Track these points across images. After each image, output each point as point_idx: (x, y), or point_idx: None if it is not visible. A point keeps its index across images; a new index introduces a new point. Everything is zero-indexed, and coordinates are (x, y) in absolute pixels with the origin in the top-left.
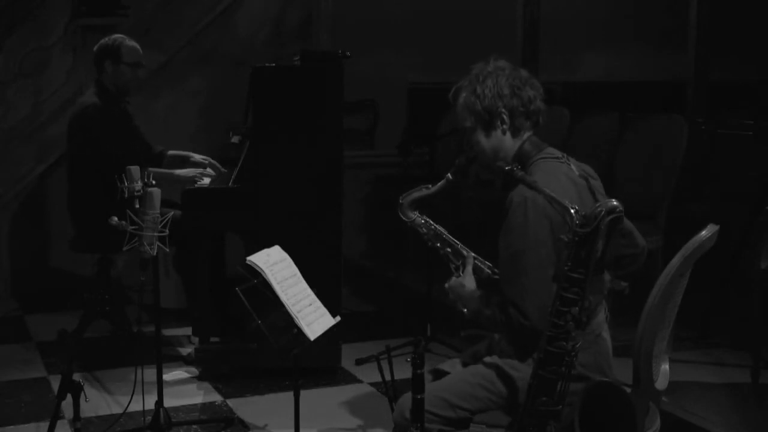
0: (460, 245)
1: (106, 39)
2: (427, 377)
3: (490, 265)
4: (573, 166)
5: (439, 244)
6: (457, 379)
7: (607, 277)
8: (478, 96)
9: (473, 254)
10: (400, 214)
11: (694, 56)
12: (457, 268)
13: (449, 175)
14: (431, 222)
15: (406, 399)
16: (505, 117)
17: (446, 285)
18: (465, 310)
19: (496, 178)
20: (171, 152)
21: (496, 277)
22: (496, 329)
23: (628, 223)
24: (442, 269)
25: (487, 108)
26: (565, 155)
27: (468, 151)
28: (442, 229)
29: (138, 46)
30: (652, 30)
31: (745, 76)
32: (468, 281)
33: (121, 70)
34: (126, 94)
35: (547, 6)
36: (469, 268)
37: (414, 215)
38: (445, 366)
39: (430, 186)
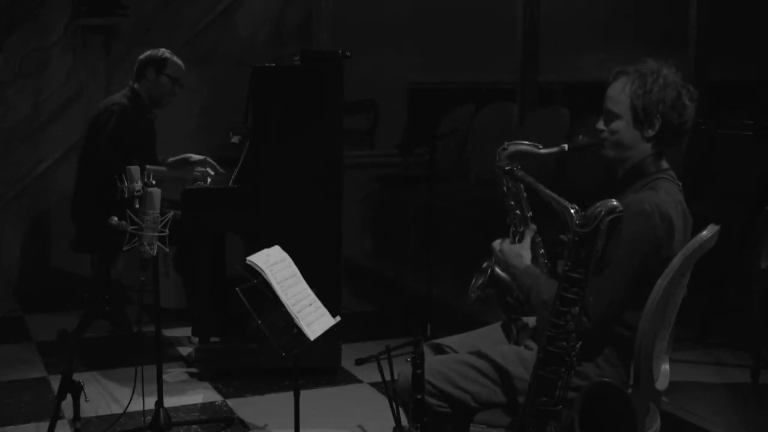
0: (530, 215)
1: (155, 50)
2: (428, 351)
3: (541, 244)
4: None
5: (513, 203)
6: (465, 362)
7: None
8: (646, 91)
9: (535, 227)
10: (497, 158)
11: (694, 56)
12: (514, 234)
13: (566, 146)
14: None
15: (408, 368)
16: (656, 124)
17: (498, 245)
18: (509, 278)
19: (617, 166)
20: (170, 159)
21: (545, 260)
22: (535, 314)
23: None
24: (443, 269)
25: (646, 107)
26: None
27: (597, 134)
28: (524, 192)
29: (182, 65)
30: (652, 30)
31: (745, 76)
32: (526, 253)
33: (162, 81)
34: (157, 107)
35: (547, 6)
36: (528, 240)
37: (508, 166)
38: (448, 341)
39: (540, 146)
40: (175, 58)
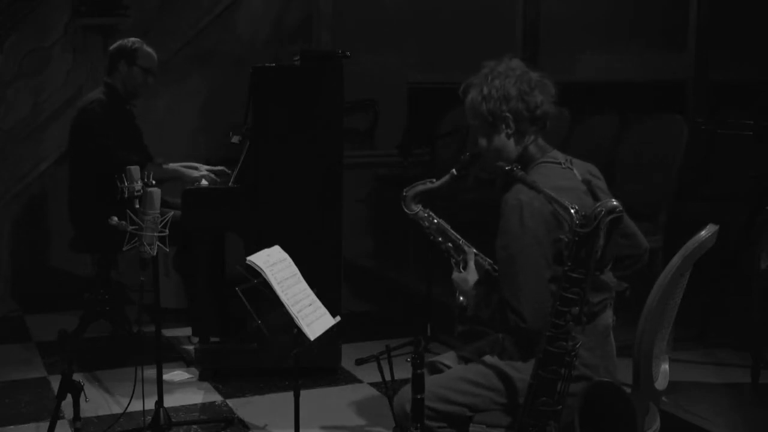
0: (462, 241)
1: (125, 40)
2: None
3: (491, 261)
4: (576, 171)
5: (440, 239)
6: (457, 377)
7: (612, 278)
8: (484, 97)
9: (474, 250)
10: (403, 206)
11: (694, 56)
12: (457, 264)
13: (454, 170)
14: (434, 216)
15: (406, 391)
16: (509, 122)
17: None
18: (467, 304)
19: (497, 177)
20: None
21: (496, 274)
22: (496, 327)
23: (631, 224)
24: (443, 269)
25: (491, 111)
26: (568, 159)
27: (473, 148)
28: (444, 224)
29: (154, 54)
30: (652, 30)
31: (745, 76)
32: (471, 276)
33: (134, 72)
34: (133, 98)
35: (547, 6)
36: (471, 264)
37: (417, 208)
38: (443, 358)
39: (434, 180)
40: (146, 47)
